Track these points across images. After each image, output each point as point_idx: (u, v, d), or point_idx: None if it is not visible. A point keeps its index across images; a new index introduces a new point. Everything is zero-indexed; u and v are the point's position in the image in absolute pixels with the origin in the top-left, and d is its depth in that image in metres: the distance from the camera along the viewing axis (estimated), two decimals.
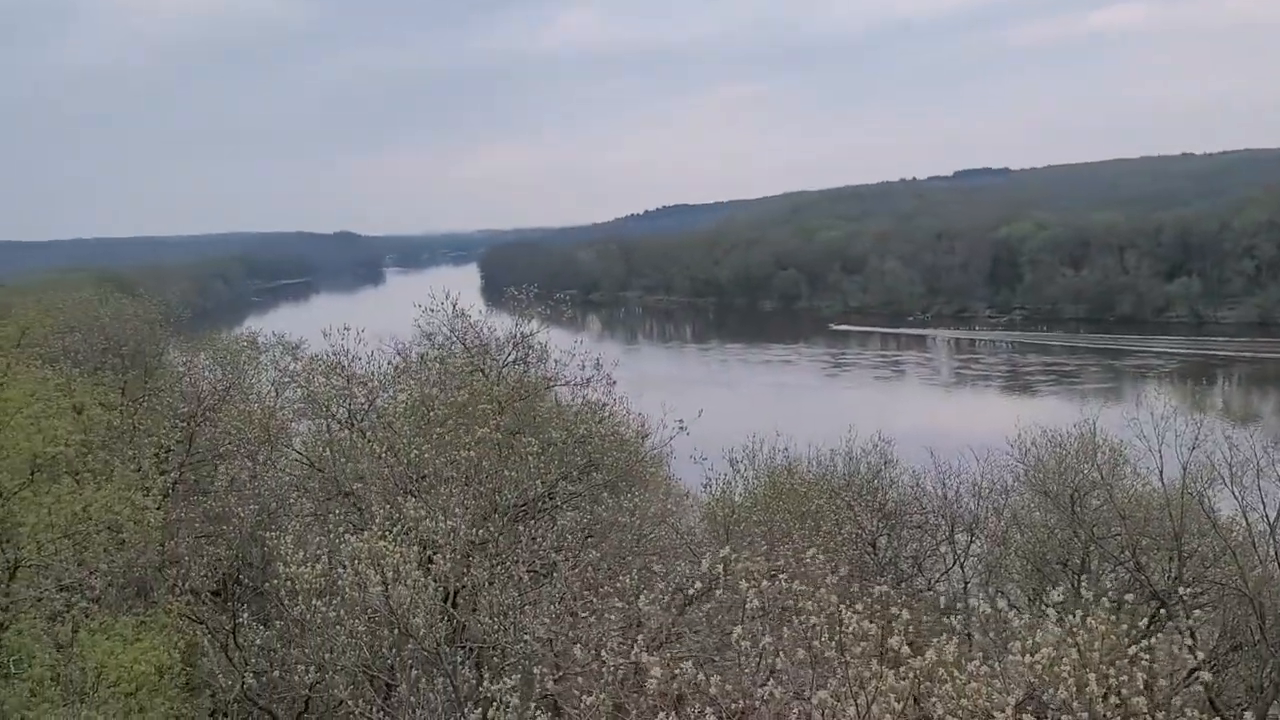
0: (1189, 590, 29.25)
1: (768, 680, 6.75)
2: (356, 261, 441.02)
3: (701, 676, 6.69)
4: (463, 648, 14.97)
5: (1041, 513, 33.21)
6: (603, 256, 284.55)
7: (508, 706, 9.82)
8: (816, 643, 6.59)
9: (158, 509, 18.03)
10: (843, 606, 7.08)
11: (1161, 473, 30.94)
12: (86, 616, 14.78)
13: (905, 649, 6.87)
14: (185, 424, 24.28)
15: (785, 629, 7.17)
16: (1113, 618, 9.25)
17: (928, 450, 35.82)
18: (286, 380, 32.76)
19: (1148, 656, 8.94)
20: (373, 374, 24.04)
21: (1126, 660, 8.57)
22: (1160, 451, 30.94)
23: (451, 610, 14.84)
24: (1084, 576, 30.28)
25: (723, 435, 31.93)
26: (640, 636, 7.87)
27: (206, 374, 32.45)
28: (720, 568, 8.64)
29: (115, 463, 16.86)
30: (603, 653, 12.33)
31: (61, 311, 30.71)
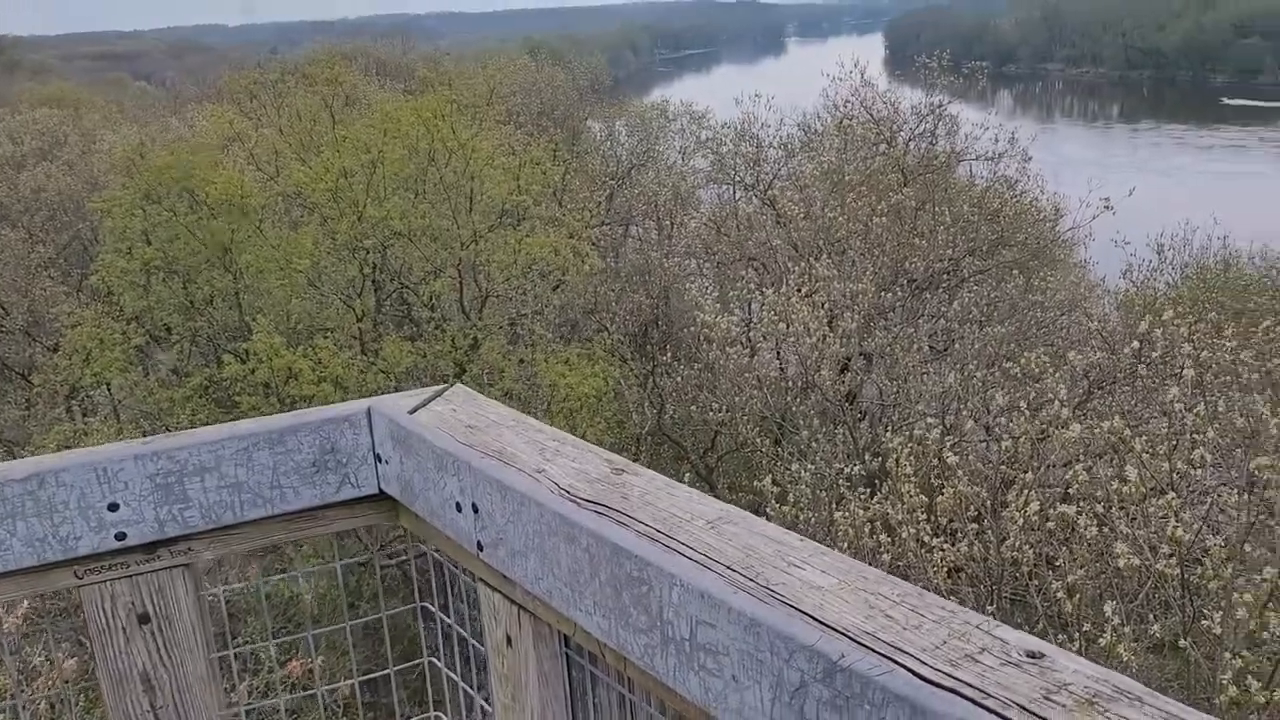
0: None
1: (1196, 448, 6.65)
2: (757, 30, 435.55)
3: (1127, 431, 6.72)
4: (859, 409, 15.77)
5: None
6: (1022, 23, 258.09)
7: (900, 459, 10.35)
8: (1264, 410, 6.33)
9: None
10: None
11: None
12: (538, 346, 17.32)
13: None
14: (610, 184, 26.43)
15: (1222, 401, 6.93)
16: None
17: None
18: (694, 147, 34.24)
19: None
20: (783, 141, 24.50)
21: None
22: None
23: (850, 369, 15.58)
24: None
25: (1146, 224, 29.23)
26: (1060, 401, 7.93)
27: (623, 139, 34.78)
28: (1156, 334, 8.33)
29: (559, 214, 18.98)
30: (995, 429, 12.49)
31: (507, 77, 33.79)
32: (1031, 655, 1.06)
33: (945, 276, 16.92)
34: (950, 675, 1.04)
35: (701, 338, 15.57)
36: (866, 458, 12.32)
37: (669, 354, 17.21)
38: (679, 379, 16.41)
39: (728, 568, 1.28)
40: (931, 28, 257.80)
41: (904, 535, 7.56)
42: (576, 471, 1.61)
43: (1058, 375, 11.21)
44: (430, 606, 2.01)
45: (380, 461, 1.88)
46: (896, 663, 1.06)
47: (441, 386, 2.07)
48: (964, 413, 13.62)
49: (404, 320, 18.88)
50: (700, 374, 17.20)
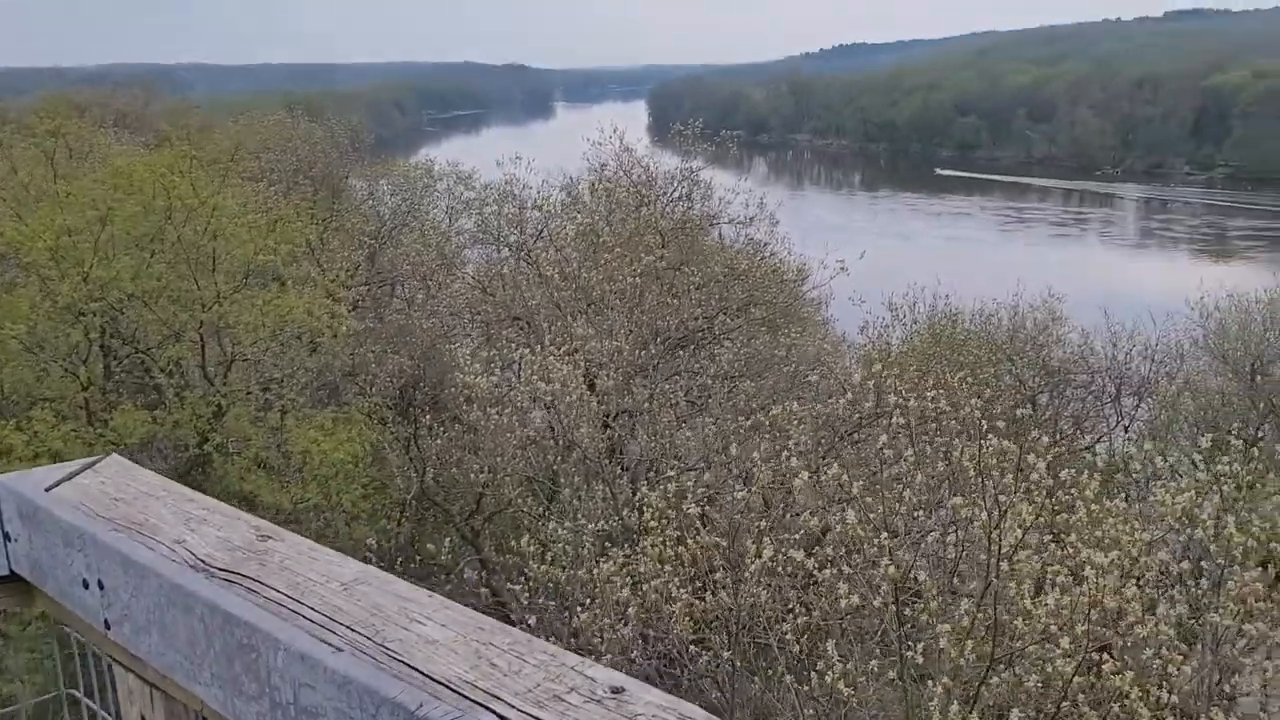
0: None
1: (905, 489, 7.24)
2: (526, 94, 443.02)
3: (846, 478, 7.24)
4: (620, 464, 16.04)
5: (1219, 380, 31.98)
6: (772, 96, 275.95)
7: (660, 514, 10.62)
8: (956, 455, 7.00)
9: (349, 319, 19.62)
10: (985, 423, 7.45)
11: None
12: (290, 411, 16.57)
13: (1041, 466, 7.20)
14: (371, 244, 25.88)
15: (928, 445, 7.60)
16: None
17: (1101, 310, 34.74)
18: (460, 208, 34.18)
19: None
20: (545, 202, 24.85)
21: None
22: None
23: (612, 426, 15.85)
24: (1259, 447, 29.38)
25: (887, 284, 31.72)
26: (788, 451, 8.42)
27: (387, 199, 34.23)
28: (871, 388, 9.04)
29: (313, 274, 18.37)
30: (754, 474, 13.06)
31: (258, 132, 32.60)
32: (614, 691, 1.13)
33: (700, 334, 17.61)
34: (534, 715, 1.08)
35: (463, 399, 15.44)
36: (625, 513, 12.54)
37: (429, 416, 16.93)
38: (441, 441, 16.16)
39: (348, 627, 1.29)
40: (691, 96, 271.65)
41: (645, 589, 7.71)
42: (219, 540, 1.57)
43: (800, 427, 11.87)
44: (76, 693, 1.88)
45: (9, 540, 1.75)
46: (487, 708, 1.10)
47: (95, 458, 1.96)
48: (719, 465, 14.13)
49: (143, 388, 17.62)
50: (463, 435, 16.99)
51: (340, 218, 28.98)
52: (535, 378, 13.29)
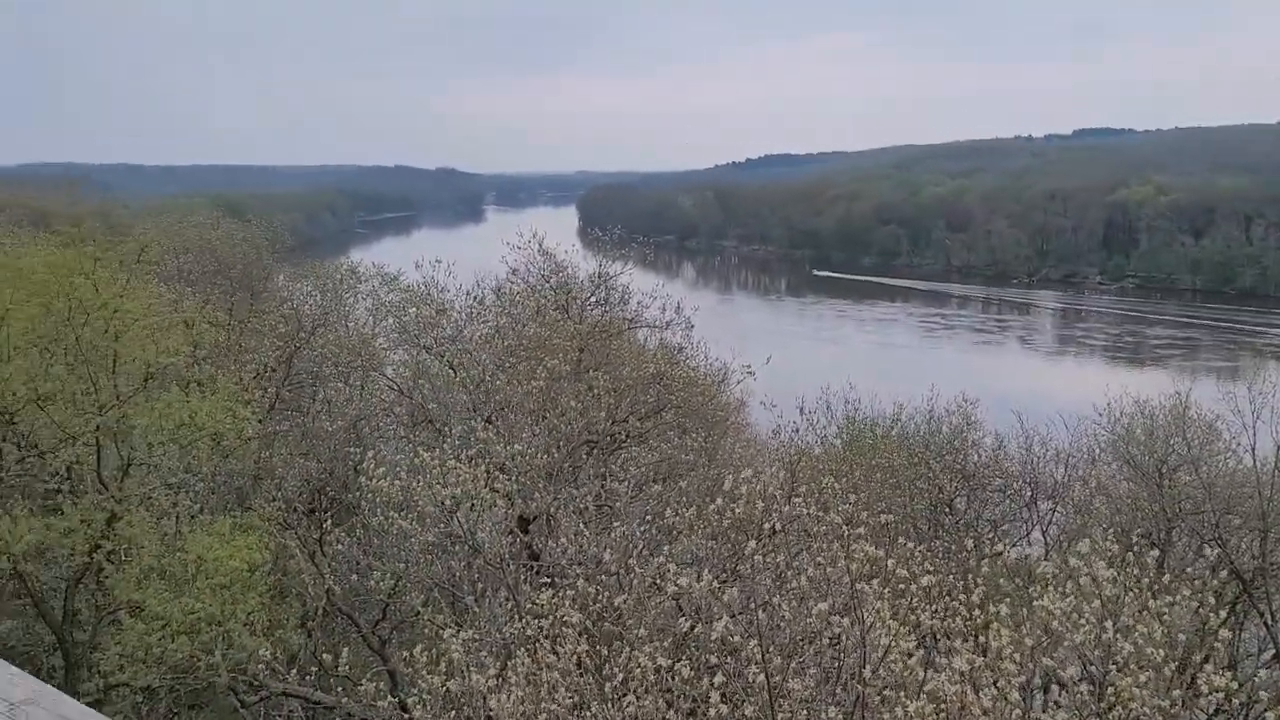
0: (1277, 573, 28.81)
1: (775, 594, 7.27)
2: (457, 198, 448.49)
3: (716, 584, 7.26)
4: (537, 571, 15.78)
5: (1128, 484, 32.76)
6: (700, 204, 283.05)
7: (562, 621, 10.47)
8: (822, 560, 7.07)
9: (258, 422, 19.26)
10: (849, 529, 7.56)
11: (1254, 450, 30.27)
12: (190, 517, 16.09)
13: (905, 572, 7.31)
14: (285, 345, 25.59)
15: (803, 551, 7.68)
16: (1187, 593, 9.56)
17: (1015, 414, 35.61)
18: (383, 310, 34.09)
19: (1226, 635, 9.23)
20: (462, 306, 24.96)
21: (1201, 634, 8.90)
22: (1255, 428, 30.25)
23: (520, 533, 15.65)
24: (1166, 551, 30.01)
25: (809, 387, 32.29)
26: (668, 549, 8.43)
27: (308, 299, 33.99)
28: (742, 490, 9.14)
29: (219, 376, 18.08)
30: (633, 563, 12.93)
31: (177, 234, 32.40)
32: None
33: (610, 438, 17.64)
34: None
35: (365, 504, 15.16)
36: (527, 620, 12.30)
37: (329, 520, 16.57)
38: (342, 547, 15.80)
39: None
40: (621, 202, 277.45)
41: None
42: None
43: (702, 530, 11.85)
44: None
45: None
46: None
47: None
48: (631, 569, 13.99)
49: (36, 493, 17.00)
50: (370, 541, 16.63)
51: (257, 318, 28.72)
52: (436, 482, 13.15)
